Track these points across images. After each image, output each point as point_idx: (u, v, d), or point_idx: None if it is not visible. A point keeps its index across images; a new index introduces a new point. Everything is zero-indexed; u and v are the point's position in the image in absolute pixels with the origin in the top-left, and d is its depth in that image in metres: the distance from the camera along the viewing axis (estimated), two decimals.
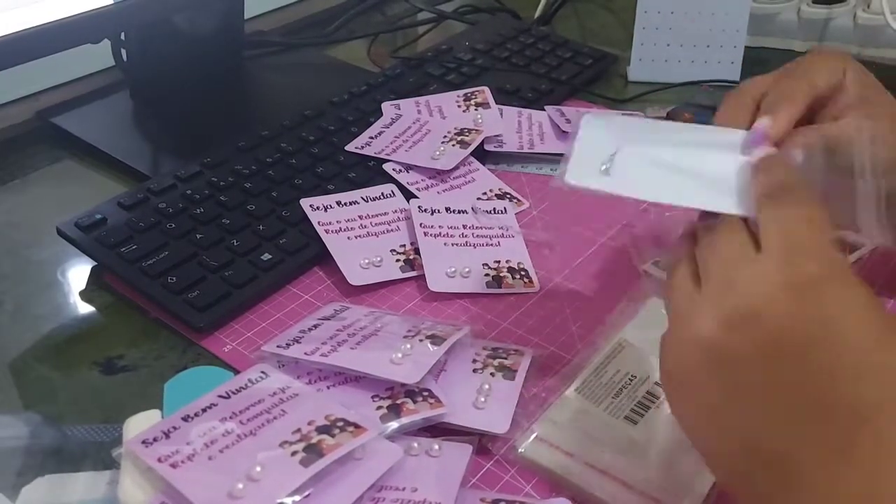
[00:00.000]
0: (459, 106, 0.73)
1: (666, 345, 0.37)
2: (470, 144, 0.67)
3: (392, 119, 0.72)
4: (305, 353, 0.47)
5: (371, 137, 0.70)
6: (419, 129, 0.70)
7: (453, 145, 0.67)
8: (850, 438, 0.32)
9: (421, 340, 0.48)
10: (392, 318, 0.51)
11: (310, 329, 0.49)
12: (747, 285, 0.34)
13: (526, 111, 0.74)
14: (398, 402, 0.45)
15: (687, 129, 0.46)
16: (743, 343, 0.34)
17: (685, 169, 0.41)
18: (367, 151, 0.68)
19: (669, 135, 0.44)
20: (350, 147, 0.69)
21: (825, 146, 0.44)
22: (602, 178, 0.41)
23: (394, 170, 0.66)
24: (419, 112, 0.73)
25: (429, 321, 0.51)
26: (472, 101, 0.73)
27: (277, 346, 0.48)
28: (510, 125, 0.72)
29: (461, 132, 0.69)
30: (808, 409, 0.33)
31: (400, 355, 0.46)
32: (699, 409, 0.36)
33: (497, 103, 0.76)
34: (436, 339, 0.48)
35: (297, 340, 0.48)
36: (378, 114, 0.73)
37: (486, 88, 0.75)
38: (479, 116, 0.72)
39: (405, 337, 0.48)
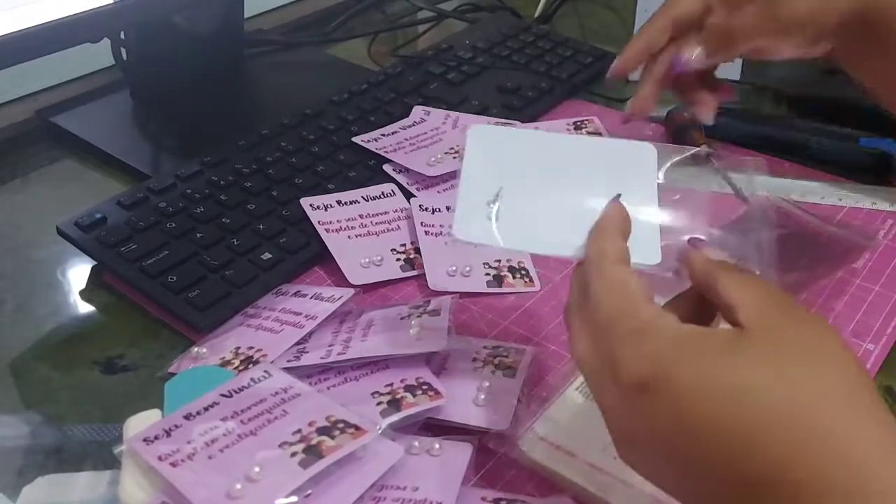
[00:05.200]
0: None
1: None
2: None
3: (414, 122, 0.72)
4: (321, 358, 0.47)
5: (383, 134, 0.70)
6: (433, 136, 0.70)
7: (453, 157, 0.67)
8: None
9: (421, 315, 0.49)
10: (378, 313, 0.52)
11: (306, 339, 0.50)
12: (606, 411, 0.36)
13: (532, 125, 0.73)
14: (398, 396, 0.45)
15: (570, 145, 0.44)
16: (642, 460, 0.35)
17: (569, 211, 0.40)
18: (371, 146, 0.68)
19: (556, 157, 0.42)
20: (357, 139, 0.69)
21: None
22: (491, 230, 0.40)
23: (393, 170, 0.66)
24: (443, 122, 0.72)
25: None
26: None
27: (287, 361, 0.48)
28: None
29: None
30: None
31: (417, 330, 0.48)
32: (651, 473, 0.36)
33: (498, 103, 0.76)
34: (433, 313, 0.49)
35: (300, 354, 0.49)
36: (378, 112, 0.73)
37: (517, 123, 0.72)
38: None
39: (402, 318, 0.49)
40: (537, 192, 0.41)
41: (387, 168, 0.66)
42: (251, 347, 0.49)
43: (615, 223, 0.38)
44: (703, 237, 0.41)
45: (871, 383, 0.32)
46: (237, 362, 0.48)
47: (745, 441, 0.30)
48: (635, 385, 0.33)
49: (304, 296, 0.53)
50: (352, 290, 0.52)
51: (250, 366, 0.47)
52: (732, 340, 0.33)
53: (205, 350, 0.50)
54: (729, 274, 0.36)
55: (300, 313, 0.51)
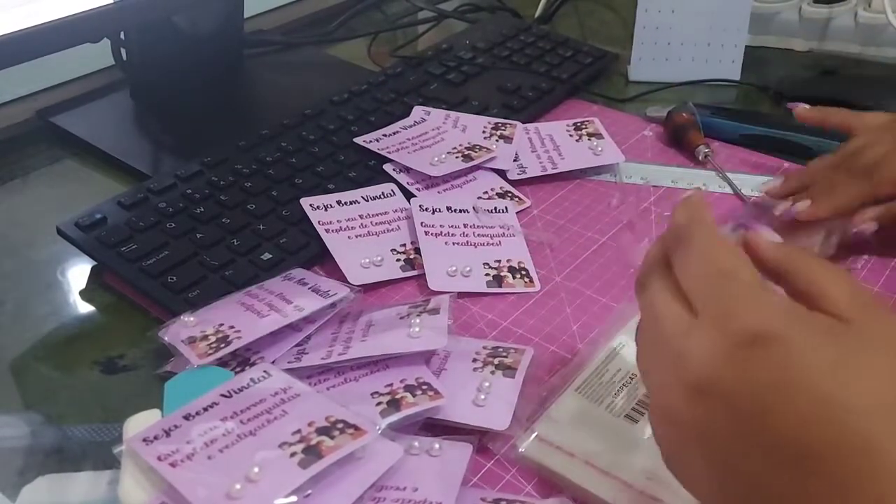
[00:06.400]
0: (484, 130, 0.71)
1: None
2: (473, 160, 0.66)
3: (415, 122, 0.72)
4: (322, 359, 0.47)
5: (385, 135, 0.70)
6: (435, 136, 0.70)
7: (456, 157, 0.67)
8: (846, 476, 0.30)
9: (420, 315, 0.49)
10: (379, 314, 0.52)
11: (305, 341, 0.50)
12: (692, 358, 0.33)
13: (531, 126, 0.73)
14: (397, 396, 0.45)
15: None
16: (710, 415, 0.33)
17: None
18: (372, 147, 0.68)
19: None
20: (358, 140, 0.69)
21: None
22: None
23: (394, 170, 0.66)
24: (444, 121, 0.72)
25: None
26: (498, 133, 0.71)
27: (288, 363, 0.48)
28: (523, 146, 0.71)
29: (472, 148, 0.68)
30: (794, 465, 0.31)
31: (417, 329, 0.48)
32: (693, 481, 0.35)
33: (498, 103, 0.76)
34: (433, 311, 0.49)
35: (300, 355, 0.48)
36: (378, 112, 0.73)
37: (517, 124, 0.72)
38: (497, 145, 0.69)
39: (401, 318, 0.49)
40: None
41: (387, 168, 0.66)
42: (232, 327, 0.49)
43: (703, 200, 0.38)
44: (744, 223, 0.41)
45: None
46: (213, 339, 0.48)
47: (839, 424, 0.30)
48: (749, 335, 0.32)
49: (305, 284, 0.53)
50: (347, 289, 0.52)
51: (222, 346, 0.47)
52: (839, 325, 0.32)
53: (192, 319, 0.50)
54: (815, 261, 0.35)
55: (290, 302, 0.50)
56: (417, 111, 0.73)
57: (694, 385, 0.33)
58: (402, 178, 0.65)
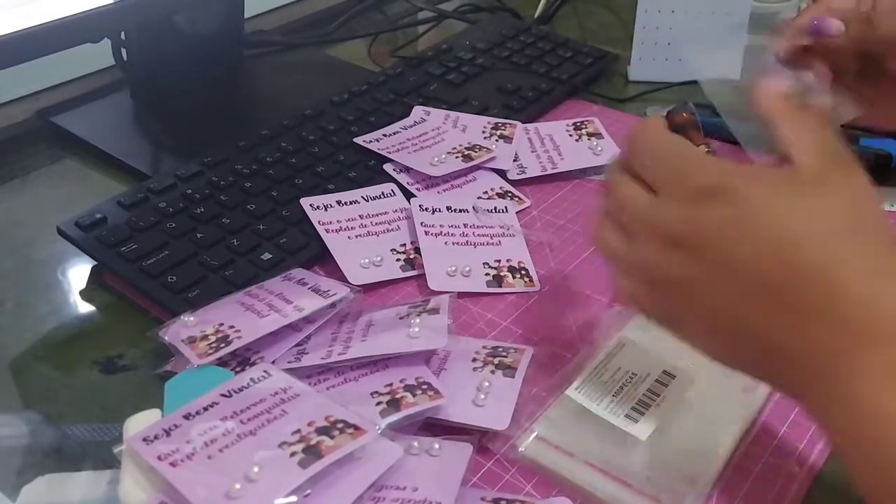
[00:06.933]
0: (483, 130, 0.71)
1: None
2: (473, 160, 0.67)
3: (415, 122, 0.72)
4: (322, 359, 0.47)
5: (385, 135, 0.70)
6: (434, 136, 0.70)
7: (456, 157, 0.67)
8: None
9: (420, 315, 0.49)
10: (378, 313, 0.52)
11: (305, 341, 0.50)
12: (661, 223, 0.38)
13: (531, 126, 0.73)
14: (397, 396, 0.45)
15: None
16: (686, 269, 0.37)
17: None
18: (373, 147, 0.68)
19: None
20: (359, 140, 0.69)
21: None
22: None
23: (394, 170, 0.66)
24: (444, 121, 0.72)
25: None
26: (498, 133, 0.71)
27: (288, 363, 0.48)
28: (522, 146, 0.71)
29: (472, 148, 0.68)
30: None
31: (417, 329, 0.48)
32: (689, 336, 0.39)
33: (498, 104, 0.76)
34: (432, 311, 0.49)
35: (300, 355, 0.48)
36: (378, 113, 0.73)
37: (517, 124, 0.72)
38: (497, 145, 0.69)
39: (401, 318, 0.49)
40: None
41: (387, 168, 0.66)
42: (232, 327, 0.49)
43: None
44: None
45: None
46: (213, 339, 0.48)
47: (792, 255, 0.34)
48: (706, 190, 0.36)
49: (305, 284, 0.53)
50: (347, 289, 0.52)
51: (222, 345, 0.47)
52: (796, 174, 0.36)
53: (192, 319, 0.50)
54: (793, 115, 0.38)
55: (290, 302, 0.50)
56: (417, 111, 0.73)
57: (671, 244, 0.37)
58: (403, 178, 0.65)
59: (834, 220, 0.34)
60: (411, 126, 0.71)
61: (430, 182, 0.65)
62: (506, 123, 0.72)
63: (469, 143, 0.69)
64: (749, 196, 0.35)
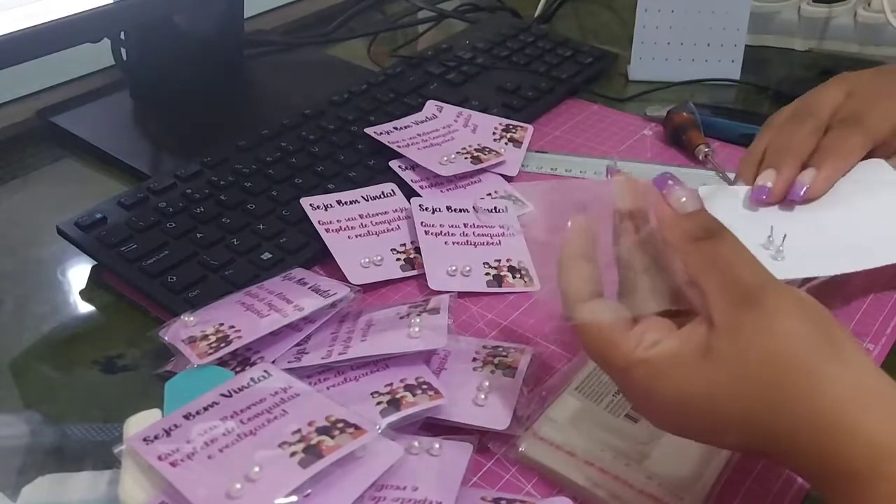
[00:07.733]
0: (494, 132, 0.71)
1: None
2: (482, 162, 0.66)
3: (427, 117, 0.72)
4: (322, 359, 0.47)
5: (395, 128, 0.70)
6: (445, 134, 0.70)
7: (465, 158, 0.67)
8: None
9: (420, 314, 0.49)
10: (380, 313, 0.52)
11: (305, 341, 0.50)
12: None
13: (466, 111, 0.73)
14: (397, 396, 0.45)
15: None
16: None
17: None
18: (383, 139, 0.68)
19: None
20: (368, 130, 0.69)
21: None
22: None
23: (400, 167, 0.66)
24: (455, 119, 0.72)
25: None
26: (508, 136, 0.71)
27: (288, 362, 0.48)
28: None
29: (481, 150, 0.68)
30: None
31: (417, 329, 0.47)
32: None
33: (498, 103, 0.76)
34: (433, 311, 0.49)
35: (300, 355, 0.48)
36: (378, 113, 0.73)
37: (529, 127, 0.72)
38: (506, 149, 0.69)
39: (401, 318, 0.49)
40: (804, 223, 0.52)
41: (394, 164, 0.66)
42: (232, 327, 0.49)
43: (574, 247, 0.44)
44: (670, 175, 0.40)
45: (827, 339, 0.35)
46: (213, 338, 0.48)
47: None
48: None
49: (305, 284, 0.53)
50: (347, 288, 0.52)
51: (222, 345, 0.47)
52: (701, 349, 0.36)
53: (192, 319, 0.50)
54: (697, 247, 0.37)
55: (290, 301, 0.51)
56: (430, 106, 0.73)
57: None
58: (408, 176, 0.65)
59: (751, 378, 0.34)
60: (423, 121, 0.71)
61: (435, 181, 0.65)
62: (517, 126, 0.72)
63: (479, 145, 0.68)
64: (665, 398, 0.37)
